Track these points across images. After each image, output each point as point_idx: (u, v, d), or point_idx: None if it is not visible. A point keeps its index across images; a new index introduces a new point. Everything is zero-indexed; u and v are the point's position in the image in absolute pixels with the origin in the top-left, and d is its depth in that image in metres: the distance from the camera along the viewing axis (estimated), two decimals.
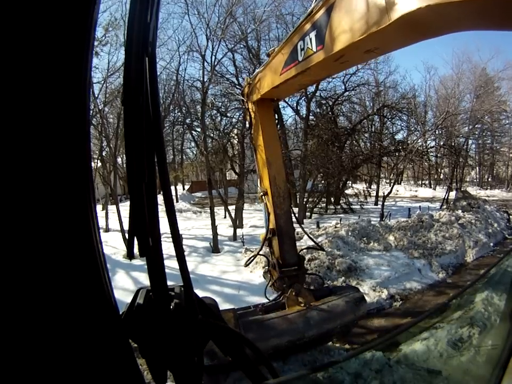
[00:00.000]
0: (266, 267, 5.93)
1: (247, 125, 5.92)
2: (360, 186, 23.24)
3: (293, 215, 5.56)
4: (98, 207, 16.24)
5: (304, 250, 6.67)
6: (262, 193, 5.46)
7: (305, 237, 9.22)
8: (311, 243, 6.59)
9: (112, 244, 10.96)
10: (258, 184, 5.73)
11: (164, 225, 0.84)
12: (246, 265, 6.79)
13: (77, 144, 0.61)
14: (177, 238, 0.86)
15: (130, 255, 0.79)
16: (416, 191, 32.94)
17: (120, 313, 0.81)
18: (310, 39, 3.38)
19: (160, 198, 0.85)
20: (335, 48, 3.01)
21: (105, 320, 0.69)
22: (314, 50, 3.34)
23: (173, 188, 24.48)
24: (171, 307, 0.86)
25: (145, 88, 0.76)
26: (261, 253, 5.96)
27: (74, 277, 0.63)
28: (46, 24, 0.55)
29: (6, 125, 0.54)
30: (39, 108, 0.56)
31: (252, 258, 6.07)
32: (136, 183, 0.76)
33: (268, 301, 5.47)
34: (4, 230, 0.55)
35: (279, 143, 5.74)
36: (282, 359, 4.88)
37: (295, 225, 5.65)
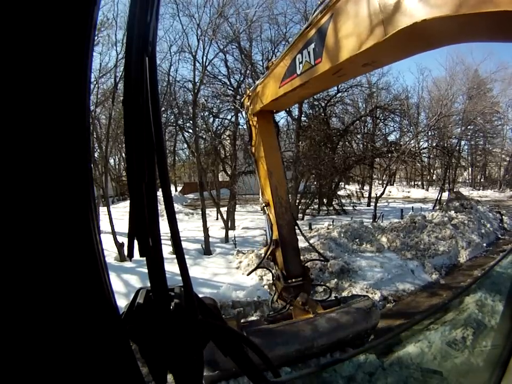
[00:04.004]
0: (271, 280, 5.80)
1: (248, 137, 5.85)
2: (353, 188, 23.33)
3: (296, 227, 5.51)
4: None
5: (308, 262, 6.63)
6: (264, 205, 5.41)
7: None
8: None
9: (103, 246, 10.68)
10: (260, 196, 5.67)
11: (164, 226, 0.84)
12: (248, 274, 6.83)
13: (77, 144, 0.61)
14: (177, 239, 0.86)
15: (129, 256, 0.78)
16: (408, 192, 33.22)
17: (120, 313, 0.80)
18: (308, 53, 3.40)
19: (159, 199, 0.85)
20: (333, 62, 3.02)
21: (105, 320, 0.69)
22: (313, 64, 3.36)
23: None
24: (171, 307, 0.86)
25: (145, 88, 0.76)
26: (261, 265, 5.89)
27: (74, 277, 0.63)
28: (46, 25, 0.55)
29: (8, 126, 0.54)
30: (40, 108, 0.56)
31: (254, 269, 5.94)
32: (136, 183, 0.76)
33: (273, 312, 5.25)
34: (4, 230, 0.55)
35: (279, 154, 5.77)
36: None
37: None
